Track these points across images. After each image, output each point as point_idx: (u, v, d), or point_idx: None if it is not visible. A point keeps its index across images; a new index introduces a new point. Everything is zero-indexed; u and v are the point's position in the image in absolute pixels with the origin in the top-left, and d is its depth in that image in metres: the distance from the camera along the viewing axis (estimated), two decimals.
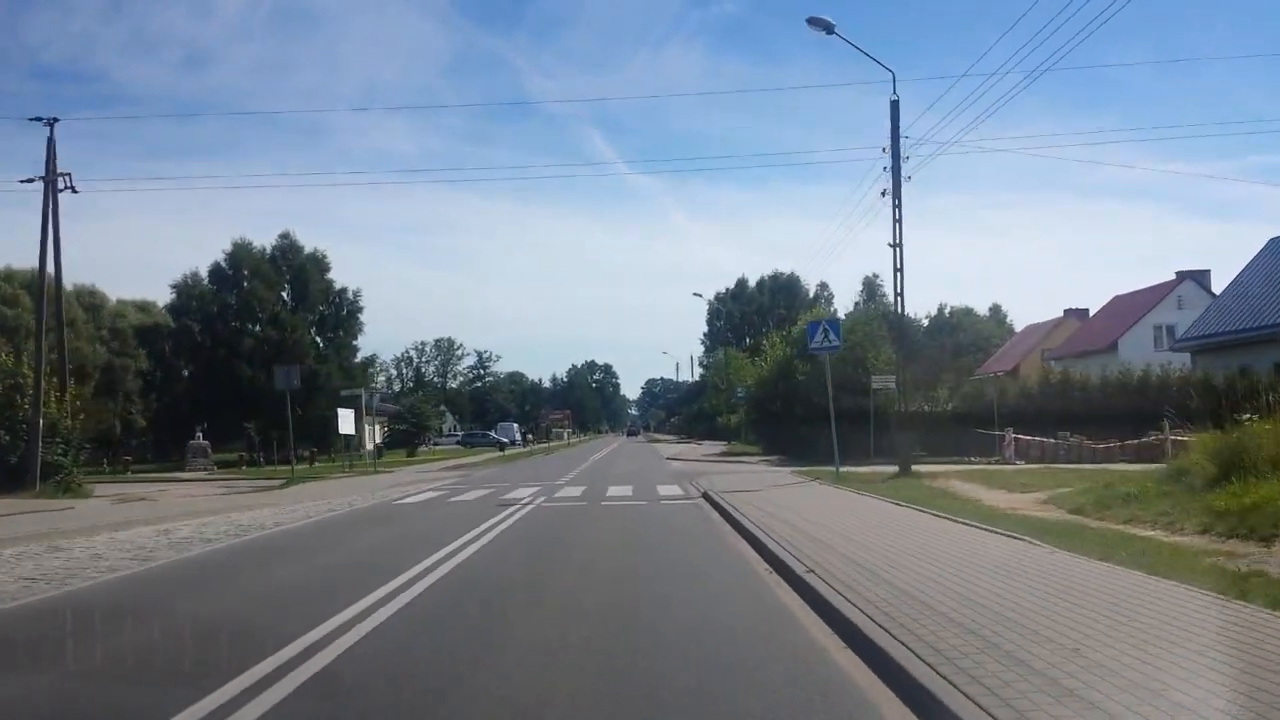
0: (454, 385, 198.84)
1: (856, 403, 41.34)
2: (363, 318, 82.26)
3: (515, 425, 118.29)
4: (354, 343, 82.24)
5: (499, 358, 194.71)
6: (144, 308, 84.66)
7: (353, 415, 55.28)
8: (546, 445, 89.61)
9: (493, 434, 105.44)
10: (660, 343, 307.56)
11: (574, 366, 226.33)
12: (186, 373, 77.43)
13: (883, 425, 40.31)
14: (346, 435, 56.15)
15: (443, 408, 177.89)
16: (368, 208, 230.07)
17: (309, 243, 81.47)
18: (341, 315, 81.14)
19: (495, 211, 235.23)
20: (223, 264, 76.54)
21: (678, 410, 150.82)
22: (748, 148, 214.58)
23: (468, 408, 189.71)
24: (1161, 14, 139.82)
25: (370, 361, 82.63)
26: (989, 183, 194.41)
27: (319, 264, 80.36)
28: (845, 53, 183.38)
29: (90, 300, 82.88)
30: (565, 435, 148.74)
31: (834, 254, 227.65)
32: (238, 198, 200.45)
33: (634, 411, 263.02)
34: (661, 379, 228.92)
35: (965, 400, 45.07)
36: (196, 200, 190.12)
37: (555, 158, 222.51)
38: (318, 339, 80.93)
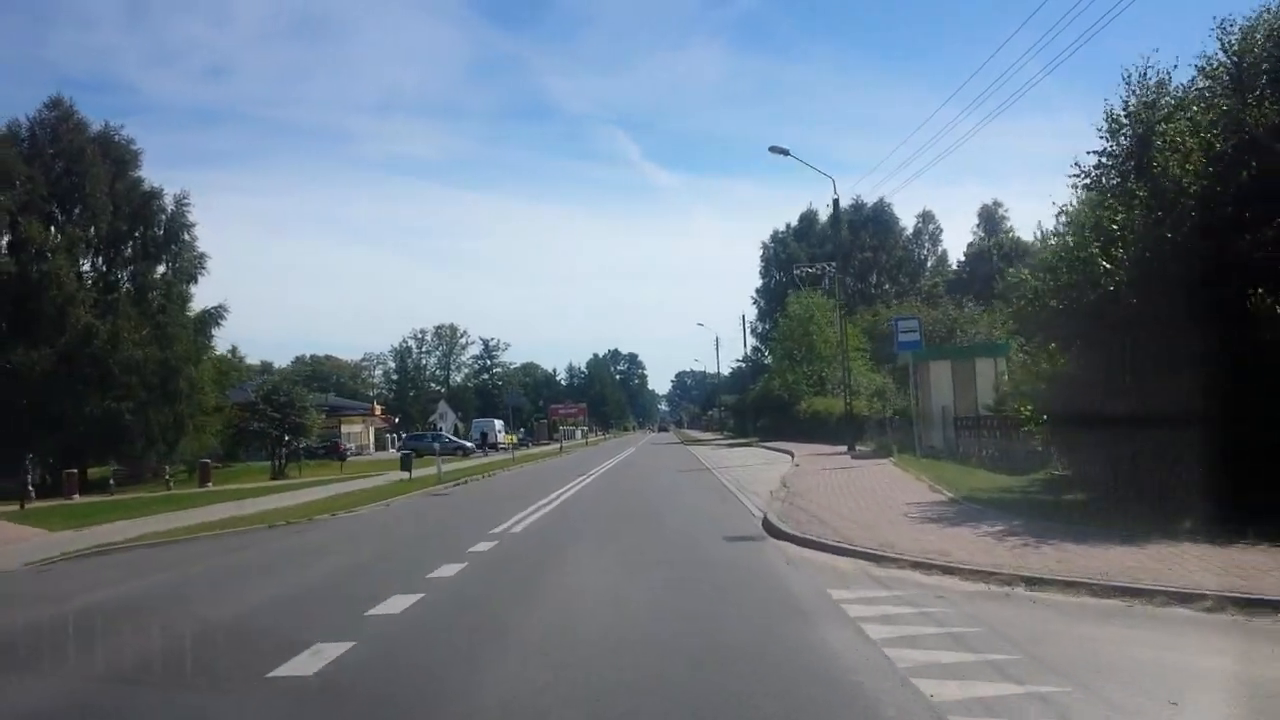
0: (458, 379, 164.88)
1: None
2: (199, 243, 46.98)
3: (497, 423, 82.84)
4: (184, 287, 46.80)
5: (508, 346, 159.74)
6: None
7: None
8: (512, 455, 53.74)
9: (449, 437, 69.89)
10: (689, 339, 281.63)
11: (595, 356, 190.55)
12: None
13: None
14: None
15: (443, 403, 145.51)
16: (385, 211, 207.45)
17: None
18: (153, 236, 45.85)
19: (515, 212, 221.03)
20: None
21: (717, 401, 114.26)
22: (767, 143, 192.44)
23: (473, 403, 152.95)
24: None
25: (211, 317, 47.22)
26: (1008, 172, 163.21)
27: (113, 150, 44.99)
28: (863, 48, 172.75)
29: None
30: (579, 433, 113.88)
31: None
32: (253, 202, 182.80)
33: (664, 407, 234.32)
34: (693, 371, 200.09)
35: None
36: (218, 205, 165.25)
37: (576, 158, 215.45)
38: (106, 273, 45.73)
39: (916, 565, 9.72)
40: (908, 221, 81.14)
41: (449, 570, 10.91)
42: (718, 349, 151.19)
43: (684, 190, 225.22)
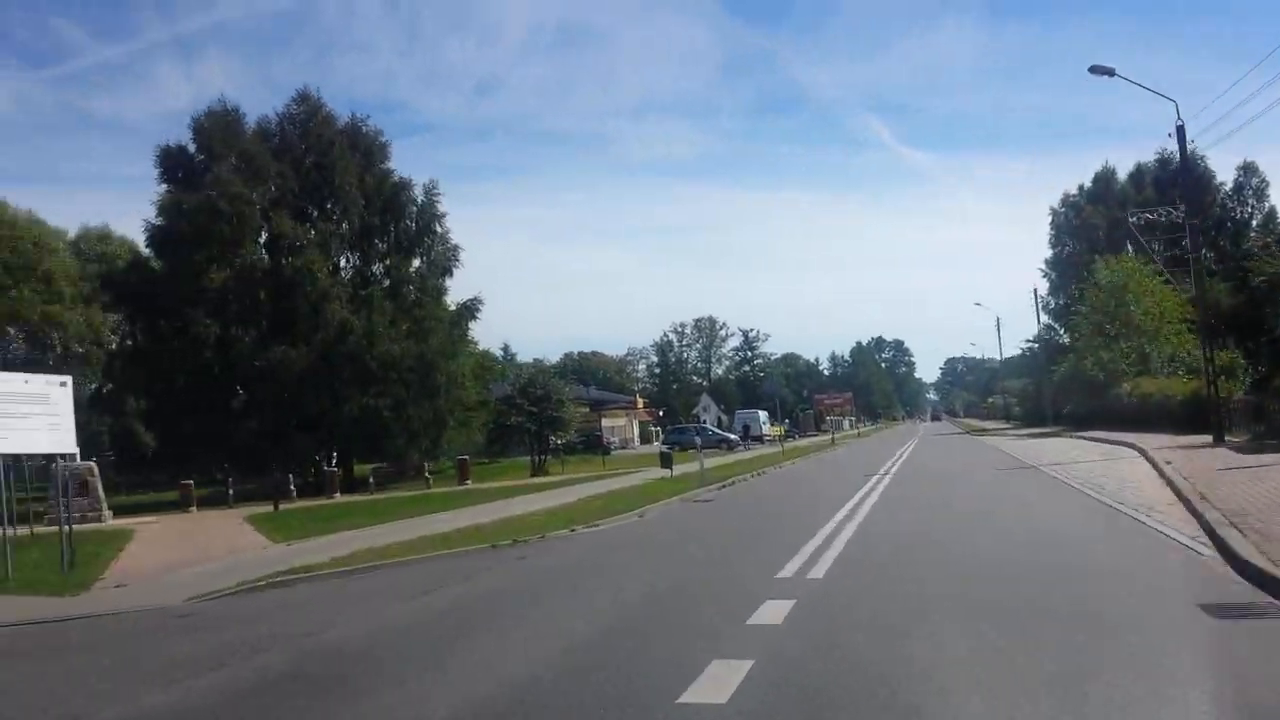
0: (719, 371, 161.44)
1: None
2: (454, 236, 44.68)
3: (761, 414, 77.80)
4: (438, 281, 44.65)
5: (767, 337, 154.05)
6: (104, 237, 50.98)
7: None
8: (781, 448, 48.19)
9: (712, 430, 65.25)
10: (959, 324, 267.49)
11: (858, 344, 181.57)
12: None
13: None
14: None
15: (704, 395, 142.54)
16: (646, 210, 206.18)
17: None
18: (405, 228, 43.83)
19: (772, 204, 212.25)
20: (188, 148, 41.04)
21: (999, 387, 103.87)
22: (1032, 116, 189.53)
23: (735, 395, 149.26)
24: None
25: (467, 310, 44.77)
26: None
27: (361, 142, 43.35)
28: (1130, 10, 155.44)
29: None
30: (846, 424, 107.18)
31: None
32: (522, 211, 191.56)
33: (931, 395, 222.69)
34: (964, 357, 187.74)
35: None
36: (491, 216, 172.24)
37: (831, 146, 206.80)
38: (360, 267, 44.16)
39: None
40: (1224, 177, 69.00)
41: (716, 686, 5.76)
42: (999, 330, 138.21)
43: (944, 171, 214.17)
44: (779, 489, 24.73)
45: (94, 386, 51.06)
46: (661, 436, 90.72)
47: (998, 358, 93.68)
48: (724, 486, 25.39)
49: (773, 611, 7.93)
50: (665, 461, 32.46)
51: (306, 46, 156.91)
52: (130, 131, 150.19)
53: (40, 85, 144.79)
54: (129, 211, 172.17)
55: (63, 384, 17.28)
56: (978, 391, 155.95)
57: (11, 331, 46.78)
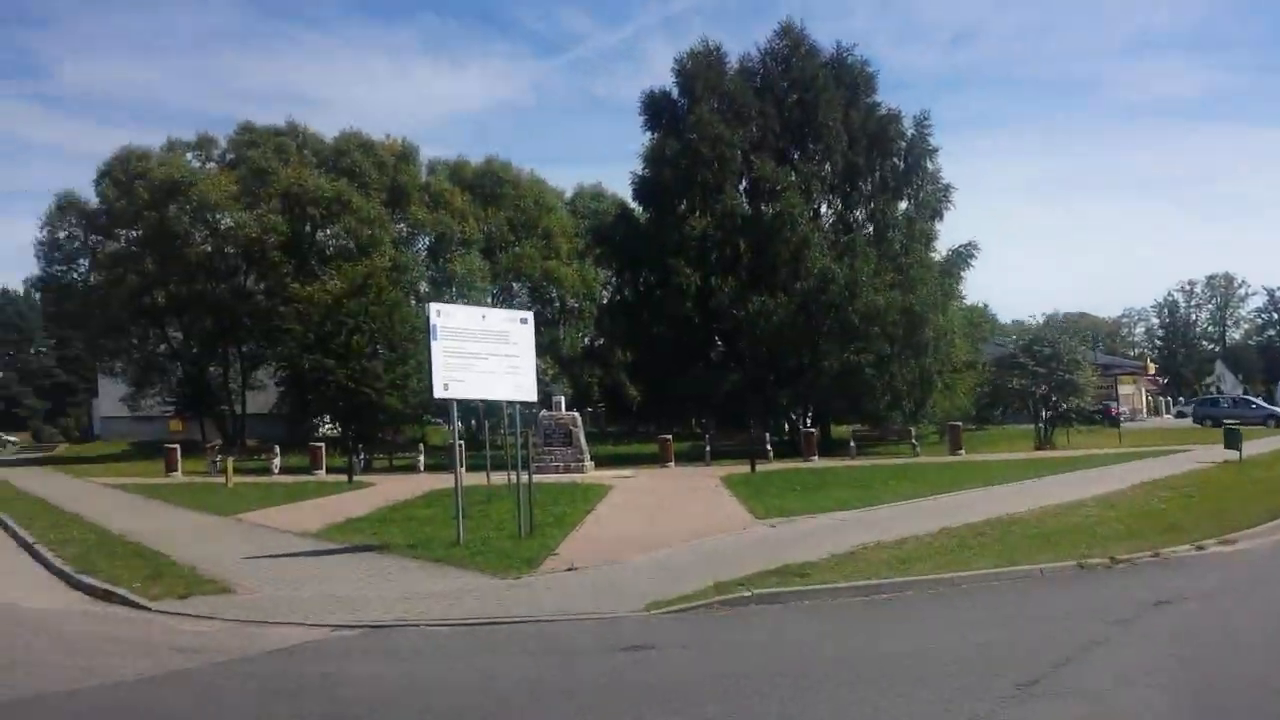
0: (1236, 336, 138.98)
1: None
2: (944, 174, 39.05)
3: None
4: (927, 224, 39.23)
5: None
6: (597, 194, 50.94)
7: None
8: None
9: (1259, 403, 53.05)
10: None
11: None
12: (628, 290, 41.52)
13: None
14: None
15: (1219, 363, 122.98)
16: (1141, 157, 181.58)
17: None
18: (892, 166, 38.77)
19: None
20: (671, 92, 39.22)
21: None
22: None
23: (1255, 363, 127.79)
24: None
25: (959, 257, 38.74)
26: None
27: (845, 75, 38.83)
28: None
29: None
30: None
31: None
32: (1000, 163, 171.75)
33: None
34: None
35: None
36: (969, 171, 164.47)
37: None
38: (842, 211, 39.69)
39: None
40: None
41: None
42: None
43: None
44: None
45: (587, 340, 52.48)
46: (1174, 408, 77.59)
47: None
48: None
49: None
50: (1232, 441, 24.86)
51: (785, 13, 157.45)
52: (625, 112, 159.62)
53: (552, 72, 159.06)
54: (622, 181, 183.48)
55: (523, 320, 14.87)
56: None
57: (515, 286, 49.10)
